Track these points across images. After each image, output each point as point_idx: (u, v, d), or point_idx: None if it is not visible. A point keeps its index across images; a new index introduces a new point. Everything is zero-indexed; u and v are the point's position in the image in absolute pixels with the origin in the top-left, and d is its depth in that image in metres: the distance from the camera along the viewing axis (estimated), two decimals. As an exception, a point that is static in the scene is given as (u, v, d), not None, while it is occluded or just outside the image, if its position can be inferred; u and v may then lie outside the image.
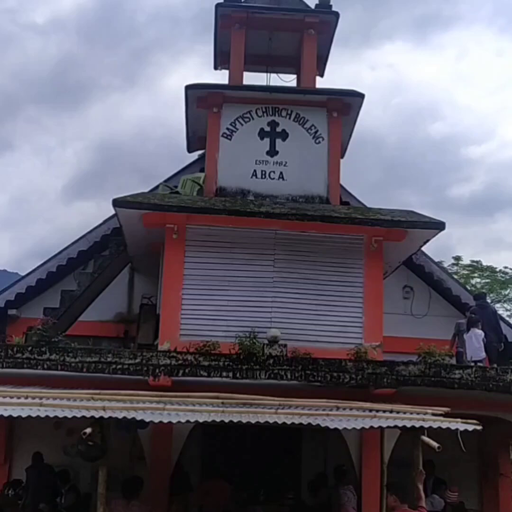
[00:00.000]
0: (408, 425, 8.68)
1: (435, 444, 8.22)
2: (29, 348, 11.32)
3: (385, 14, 49.02)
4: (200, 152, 15.96)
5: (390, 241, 13.27)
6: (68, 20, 45.40)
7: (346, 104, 14.30)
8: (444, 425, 8.59)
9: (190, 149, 16.04)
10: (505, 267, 31.70)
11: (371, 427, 8.80)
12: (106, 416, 8.28)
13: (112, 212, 13.47)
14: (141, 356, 11.39)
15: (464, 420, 8.88)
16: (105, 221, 15.86)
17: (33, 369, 11.19)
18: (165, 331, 12.59)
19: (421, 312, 16.64)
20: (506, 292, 31.56)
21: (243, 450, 14.03)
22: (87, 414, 8.26)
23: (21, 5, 46.43)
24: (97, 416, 8.26)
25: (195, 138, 15.50)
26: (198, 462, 13.59)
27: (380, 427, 8.92)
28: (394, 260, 14.51)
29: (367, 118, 43.19)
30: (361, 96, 14.15)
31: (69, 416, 8.16)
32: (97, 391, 9.68)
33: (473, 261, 31.80)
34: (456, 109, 52.21)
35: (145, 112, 47.63)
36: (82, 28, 44.18)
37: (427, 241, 13.48)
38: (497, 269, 31.70)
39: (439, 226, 12.96)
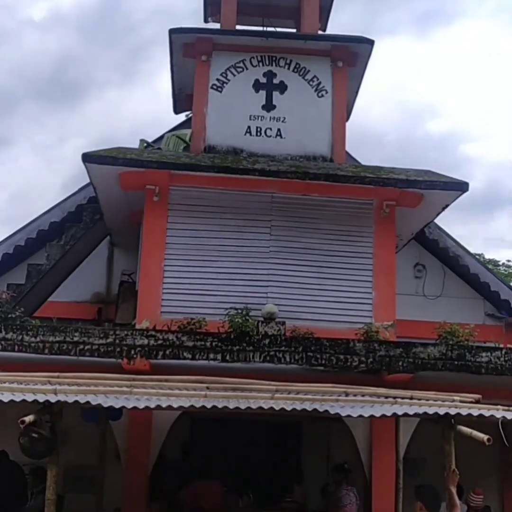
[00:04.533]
0: (441, 413, 6.89)
1: (482, 435, 6.42)
2: (-20, 326, 9.61)
3: (386, 9, 47.46)
4: (188, 113, 14.23)
5: (403, 207, 11.62)
6: (66, 16, 43.90)
7: (352, 52, 12.57)
8: (487, 413, 6.82)
9: (176, 110, 14.28)
10: (508, 261, 30.41)
11: (394, 414, 7.03)
12: (53, 400, 6.54)
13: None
14: (114, 335, 9.68)
15: (506, 408, 7.14)
16: (80, 189, 14.10)
17: (-16, 350, 9.51)
18: (144, 308, 10.94)
19: (434, 292, 14.97)
20: (509, 286, 30.17)
21: (236, 447, 12.47)
22: (30, 398, 6.54)
23: (18, 0, 45.00)
24: (41, 400, 6.53)
25: (182, 96, 13.73)
26: (183, 460, 11.88)
27: (405, 414, 7.12)
28: (407, 232, 12.88)
29: (367, 115, 41.89)
30: (370, 42, 12.40)
31: (5, 400, 6.46)
32: (56, 374, 7.95)
33: (475, 254, 30.34)
34: (455, 106, 50.87)
35: (144, 108, 46.33)
36: (81, 24, 42.76)
37: (446, 206, 11.79)
38: (500, 262, 30.41)
39: (462, 187, 11.28)
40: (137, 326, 10.62)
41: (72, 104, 47.02)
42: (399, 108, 49.27)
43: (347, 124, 12.86)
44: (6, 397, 6.52)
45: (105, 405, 6.62)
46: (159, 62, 52.71)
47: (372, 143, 43.60)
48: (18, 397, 6.52)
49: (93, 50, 46.50)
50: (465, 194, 11.45)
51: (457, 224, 36.83)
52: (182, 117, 14.67)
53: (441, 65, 49.60)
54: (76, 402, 6.56)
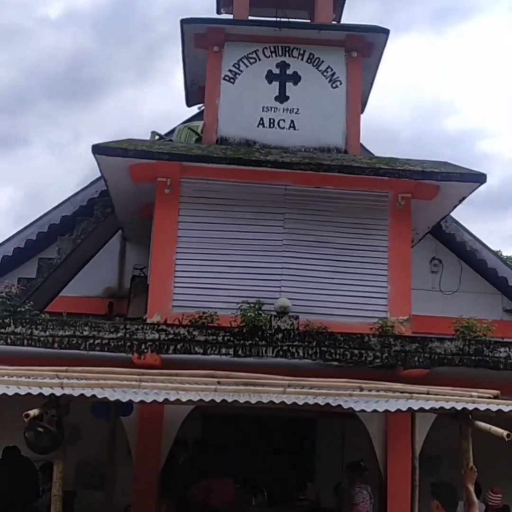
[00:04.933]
0: (458, 408, 6.68)
1: (501, 431, 6.20)
2: (-11, 320, 9.47)
3: (401, 6, 47.19)
4: (200, 105, 14.04)
5: (419, 199, 11.37)
6: (82, 14, 44.04)
7: (367, 43, 12.32)
8: (506, 409, 6.58)
9: (189, 102, 14.11)
10: None
11: (410, 409, 6.82)
12: (58, 394, 6.37)
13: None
14: (124, 329, 9.53)
15: (528, 403, 6.89)
16: (92, 183, 13.95)
17: (-7, 344, 9.37)
18: (155, 302, 10.76)
19: (451, 287, 14.71)
20: (529, 284, 29.65)
21: (249, 444, 12.27)
22: (36, 391, 6.38)
23: (34, -2, 45.23)
24: (46, 394, 6.37)
25: (195, 88, 13.57)
26: (195, 456, 11.69)
27: (421, 409, 6.92)
28: (423, 226, 12.62)
29: (382, 113, 41.62)
30: (385, 32, 12.15)
31: (10, 393, 6.30)
32: (64, 368, 7.79)
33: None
34: (471, 102, 50.46)
35: (159, 106, 46.41)
36: (96, 22, 42.87)
37: (463, 198, 11.51)
38: (518, 259, 29.99)
39: (480, 178, 11.00)
40: (148, 320, 10.44)
41: (87, 102, 47.14)
42: (415, 105, 49.00)
43: (362, 119, 12.64)
44: (11, 391, 6.37)
45: (112, 399, 6.46)
46: (174, 59, 52.67)
47: (387, 140, 43.39)
48: (23, 391, 6.37)
49: (108, 48, 46.60)
50: (482, 191, 11.23)
51: (473, 221, 36.61)
52: (194, 110, 14.52)
53: (457, 62, 49.31)
54: (82, 395, 6.40)
